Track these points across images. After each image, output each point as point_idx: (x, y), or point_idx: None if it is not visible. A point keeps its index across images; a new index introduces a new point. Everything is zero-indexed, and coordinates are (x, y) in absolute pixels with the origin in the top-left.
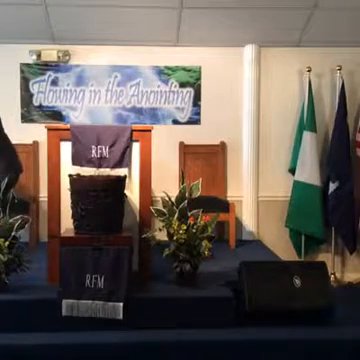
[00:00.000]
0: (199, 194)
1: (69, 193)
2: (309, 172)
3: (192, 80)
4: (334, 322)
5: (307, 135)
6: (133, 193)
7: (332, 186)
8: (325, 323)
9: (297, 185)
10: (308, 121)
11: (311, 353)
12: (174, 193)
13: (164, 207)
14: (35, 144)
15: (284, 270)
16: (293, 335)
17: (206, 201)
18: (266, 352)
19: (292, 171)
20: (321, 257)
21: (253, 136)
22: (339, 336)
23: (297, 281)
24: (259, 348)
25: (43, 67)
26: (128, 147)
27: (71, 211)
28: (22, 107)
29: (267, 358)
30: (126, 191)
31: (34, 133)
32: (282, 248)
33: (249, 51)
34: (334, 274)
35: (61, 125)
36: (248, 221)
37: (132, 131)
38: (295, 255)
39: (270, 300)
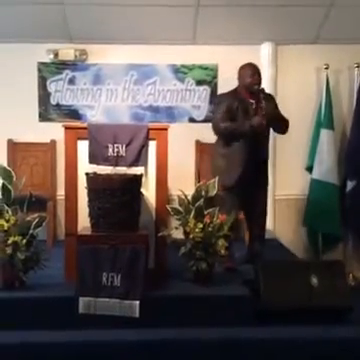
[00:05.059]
0: (215, 192)
1: (86, 191)
2: (326, 170)
3: (208, 78)
4: (351, 321)
5: (324, 133)
6: (149, 191)
7: (350, 184)
8: (342, 322)
9: (314, 183)
10: (325, 119)
11: (328, 352)
12: (190, 192)
13: (180, 205)
14: (52, 143)
15: (301, 269)
16: (310, 334)
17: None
18: (283, 351)
19: (309, 169)
20: (338, 256)
21: (270, 134)
22: (357, 335)
23: (314, 280)
24: (276, 347)
25: (60, 66)
26: (144, 146)
27: (88, 209)
28: (40, 106)
29: (284, 357)
30: (142, 189)
31: (52, 132)
32: (299, 247)
33: (266, 49)
34: (352, 273)
35: (78, 124)
36: None
37: (148, 130)
38: (312, 254)
39: (287, 299)
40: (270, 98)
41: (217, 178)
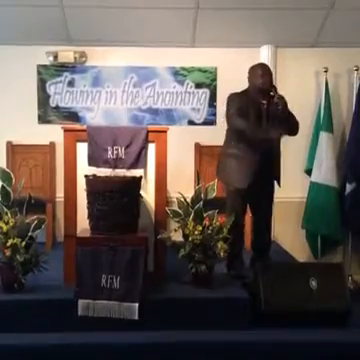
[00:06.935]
0: (215, 195)
1: (85, 193)
2: (326, 173)
3: (208, 81)
4: (351, 324)
5: (324, 136)
6: (149, 194)
7: (349, 187)
8: (341, 325)
9: (313, 186)
10: (325, 122)
11: (327, 356)
12: (190, 194)
13: (179, 208)
14: (52, 145)
15: (300, 271)
16: (309, 337)
17: (222, 202)
18: (281, 354)
19: (308, 172)
20: (338, 258)
21: None
22: (356, 338)
23: (313, 283)
24: (274, 350)
25: (60, 68)
26: (144, 148)
27: (87, 211)
28: (39, 108)
29: None
30: (142, 192)
31: (51, 134)
32: (298, 249)
33: (265, 52)
34: (351, 276)
35: (77, 126)
36: None
37: (148, 132)
38: (311, 256)
39: (286, 302)
40: (281, 98)
41: (228, 179)
